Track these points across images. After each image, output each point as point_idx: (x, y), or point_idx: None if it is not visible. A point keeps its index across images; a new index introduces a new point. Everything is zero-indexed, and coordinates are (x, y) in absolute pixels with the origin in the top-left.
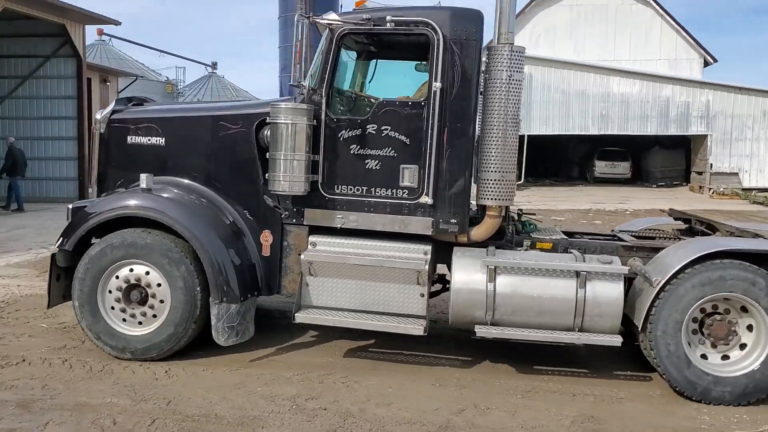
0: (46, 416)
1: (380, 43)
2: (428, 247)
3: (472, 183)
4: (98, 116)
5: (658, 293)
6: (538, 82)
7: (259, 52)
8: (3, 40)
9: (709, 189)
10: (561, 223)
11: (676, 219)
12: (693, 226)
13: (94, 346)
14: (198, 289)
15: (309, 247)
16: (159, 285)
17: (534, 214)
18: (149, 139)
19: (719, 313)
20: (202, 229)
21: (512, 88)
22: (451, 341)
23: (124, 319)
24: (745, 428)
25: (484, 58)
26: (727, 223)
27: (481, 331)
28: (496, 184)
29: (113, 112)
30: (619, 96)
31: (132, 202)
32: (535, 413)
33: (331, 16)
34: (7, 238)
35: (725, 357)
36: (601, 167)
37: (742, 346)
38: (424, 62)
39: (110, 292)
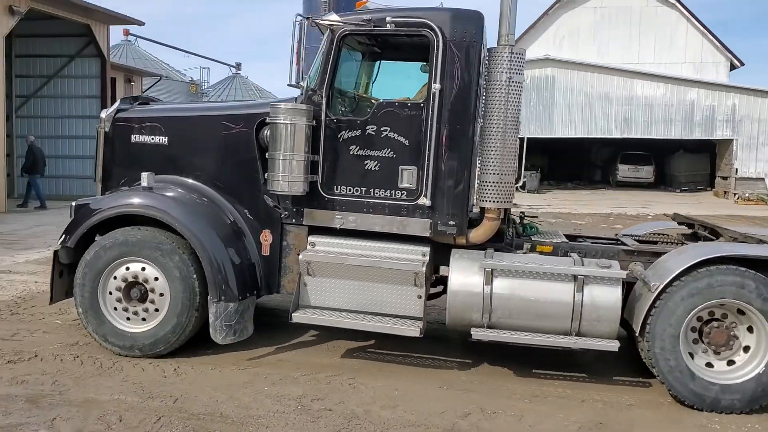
0: (53, 412)
1: (381, 44)
2: (427, 249)
3: (472, 185)
4: (103, 115)
5: (656, 298)
6: (560, 84)
7: (283, 53)
8: (29, 39)
9: (734, 194)
10: (581, 226)
11: (680, 224)
12: (697, 231)
13: None
14: (194, 276)
15: (308, 247)
16: (156, 279)
17: (536, 217)
18: (152, 138)
19: (716, 320)
20: (202, 228)
21: (512, 90)
22: (458, 344)
23: (128, 318)
24: None
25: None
26: (731, 228)
27: (477, 334)
28: (495, 186)
29: (118, 111)
30: (642, 99)
31: (132, 201)
32: (542, 418)
33: (332, 17)
34: (27, 235)
35: (731, 362)
36: (623, 171)
37: (746, 349)
38: (427, 63)
39: (110, 293)
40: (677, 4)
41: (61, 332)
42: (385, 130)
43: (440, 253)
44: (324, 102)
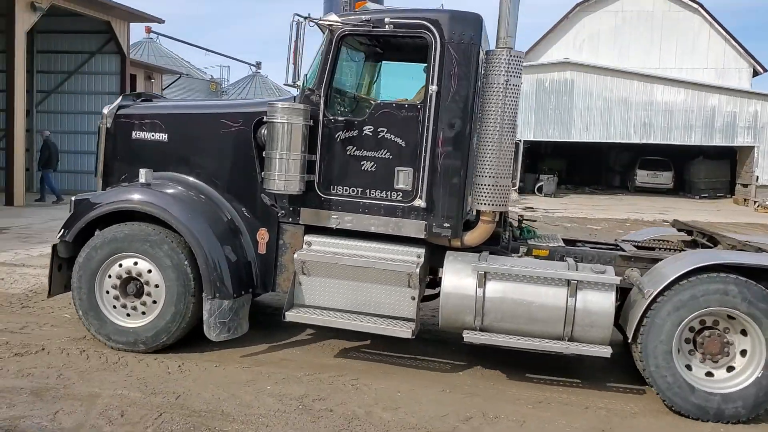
0: (56, 405)
1: (382, 44)
2: (422, 251)
3: (467, 188)
4: (105, 111)
5: (649, 305)
6: (579, 88)
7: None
8: (50, 35)
9: (754, 202)
10: (596, 232)
11: (679, 230)
12: (696, 238)
13: None
14: (186, 263)
15: (304, 246)
16: (150, 271)
17: (535, 221)
18: (153, 135)
19: (708, 328)
20: (198, 226)
21: (509, 93)
22: (464, 348)
23: (128, 314)
24: None
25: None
26: (729, 235)
27: (469, 337)
28: (490, 189)
29: (120, 107)
30: (662, 104)
31: (130, 197)
32: (544, 424)
33: (331, 17)
34: (42, 229)
35: (731, 368)
36: (642, 176)
37: (744, 353)
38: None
39: (108, 292)
40: (700, 9)
41: (69, 326)
42: (382, 131)
43: (437, 255)
44: (322, 102)
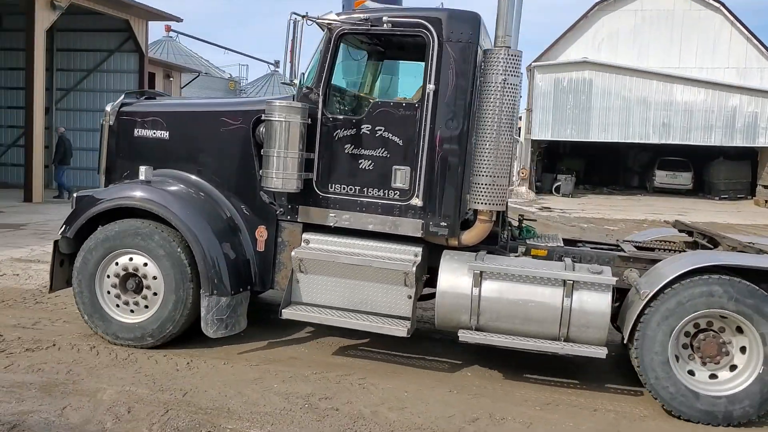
0: (65, 401)
1: (380, 43)
2: (419, 249)
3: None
4: (108, 108)
5: (645, 306)
6: (598, 88)
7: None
8: (70, 34)
9: None
10: (613, 232)
11: (680, 231)
12: (696, 239)
13: None
14: (179, 249)
15: (302, 244)
16: (146, 264)
17: (535, 220)
18: (154, 133)
19: (702, 331)
20: (197, 223)
21: (507, 92)
22: (473, 348)
23: (132, 311)
24: None
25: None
26: (730, 236)
27: (464, 336)
28: (487, 188)
29: (122, 105)
30: (682, 104)
31: (131, 194)
32: (551, 426)
33: (330, 16)
34: (59, 225)
35: (734, 367)
36: (661, 177)
37: (743, 350)
38: None
39: (108, 291)
40: (721, 8)
41: (81, 322)
42: (380, 130)
43: (435, 254)
44: (320, 100)
